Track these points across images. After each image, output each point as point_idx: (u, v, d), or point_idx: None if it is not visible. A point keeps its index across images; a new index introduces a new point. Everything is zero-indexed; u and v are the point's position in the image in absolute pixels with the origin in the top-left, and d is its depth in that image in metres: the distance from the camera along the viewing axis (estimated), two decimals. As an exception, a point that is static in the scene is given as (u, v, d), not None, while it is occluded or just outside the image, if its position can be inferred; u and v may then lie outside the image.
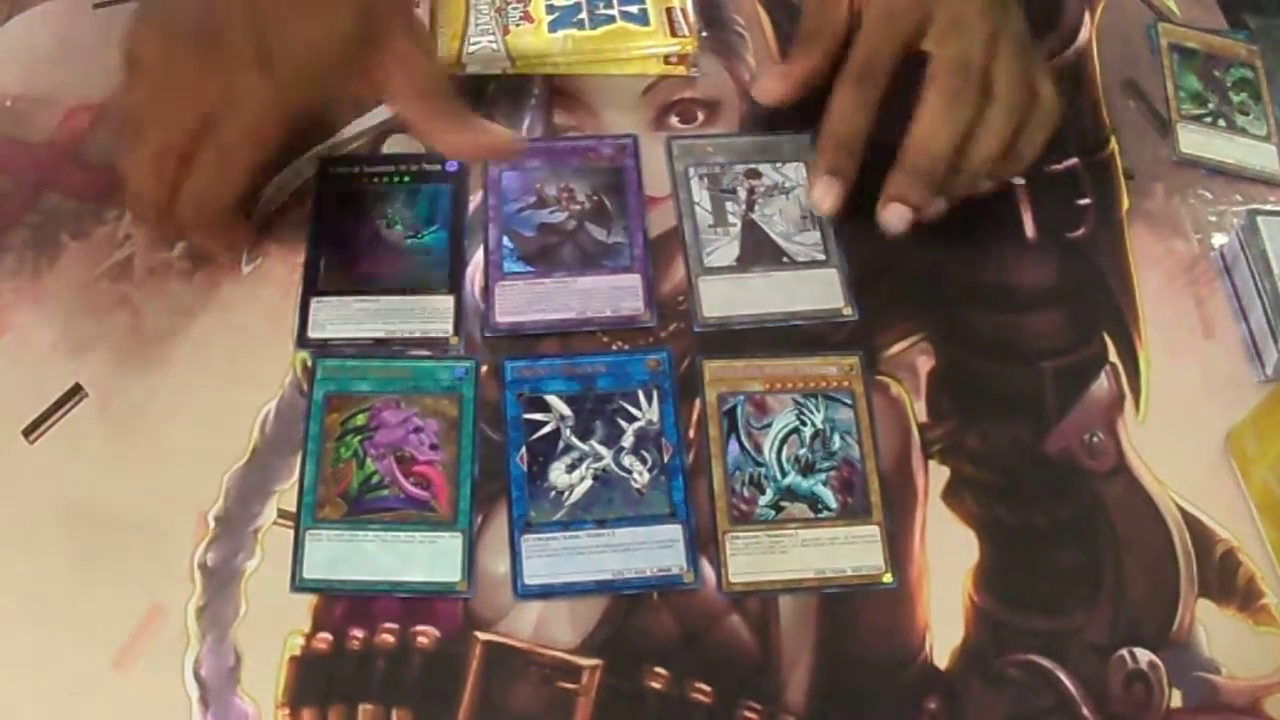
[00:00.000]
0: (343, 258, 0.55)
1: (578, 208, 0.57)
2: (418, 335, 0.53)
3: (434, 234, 0.56)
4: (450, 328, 0.53)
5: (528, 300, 0.54)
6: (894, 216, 0.53)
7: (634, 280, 0.55)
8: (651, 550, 0.48)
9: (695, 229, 0.56)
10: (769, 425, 0.51)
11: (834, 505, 0.50)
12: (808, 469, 0.51)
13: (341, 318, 0.53)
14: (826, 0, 0.56)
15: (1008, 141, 0.52)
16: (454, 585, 0.47)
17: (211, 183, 0.49)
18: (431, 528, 0.48)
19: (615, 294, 0.54)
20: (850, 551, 0.49)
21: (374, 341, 0.53)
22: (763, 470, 0.51)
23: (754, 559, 0.49)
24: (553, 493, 0.49)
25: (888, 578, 0.49)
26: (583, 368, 0.52)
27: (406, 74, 0.51)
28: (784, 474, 0.51)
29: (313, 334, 0.53)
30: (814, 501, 0.50)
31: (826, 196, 0.54)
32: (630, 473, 0.50)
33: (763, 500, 0.50)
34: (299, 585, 0.47)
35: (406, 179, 0.57)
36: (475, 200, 0.57)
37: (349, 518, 0.48)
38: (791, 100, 0.57)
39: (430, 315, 0.53)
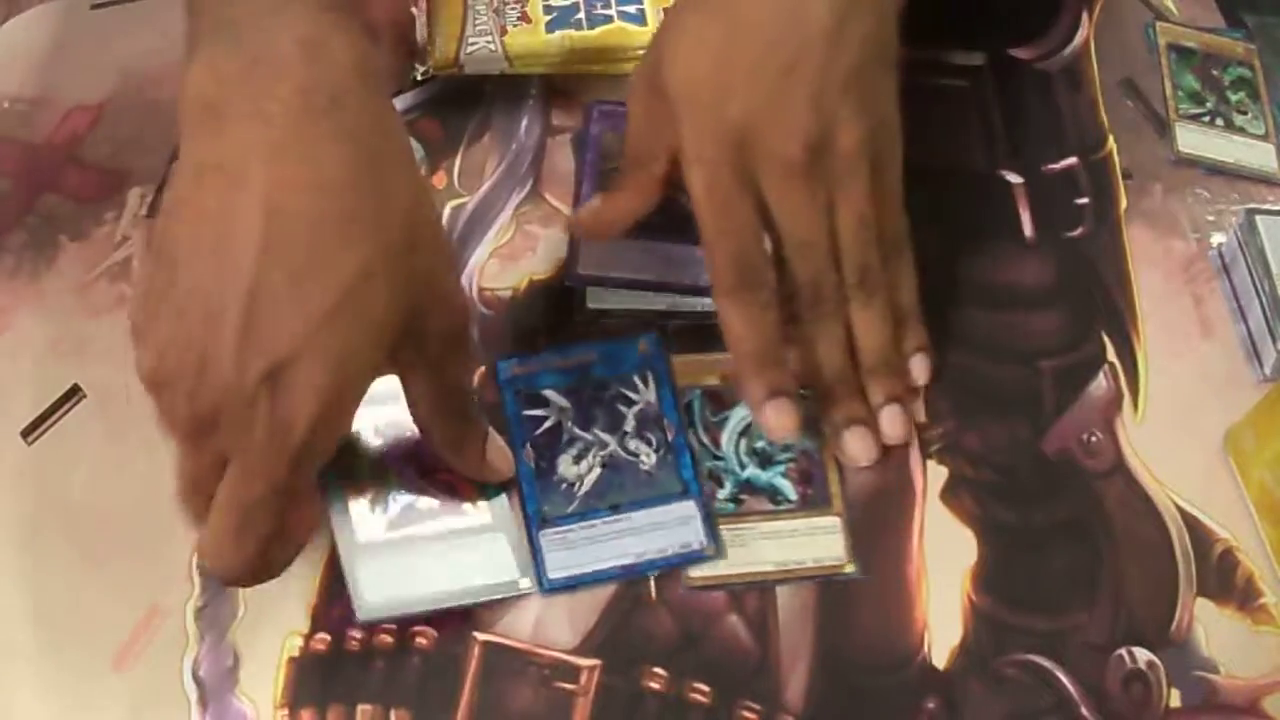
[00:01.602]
0: None
1: None
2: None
3: None
4: None
5: (613, 257, 0.54)
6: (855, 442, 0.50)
7: None
8: (669, 529, 0.48)
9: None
10: (726, 418, 0.51)
11: (794, 497, 0.50)
12: (766, 461, 0.51)
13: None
14: (649, 124, 0.49)
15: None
16: (516, 583, 0.47)
17: (232, 544, 0.40)
18: (475, 533, 0.48)
19: (699, 264, 0.52)
20: (811, 543, 0.49)
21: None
22: (721, 464, 0.50)
23: (718, 553, 0.49)
24: (563, 485, 0.49)
25: (849, 568, 0.48)
26: (574, 358, 0.52)
27: (437, 386, 0.44)
28: (743, 467, 0.50)
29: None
30: (773, 494, 0.50)
31: (783, 419, 0.48)
32: (637, 456, 0.50)
33: (721, 494, 0.50)
34: (365, 617, 0.46)
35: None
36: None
37: (392, 531, 0.48)
38: (606, 238, 0.53)
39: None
